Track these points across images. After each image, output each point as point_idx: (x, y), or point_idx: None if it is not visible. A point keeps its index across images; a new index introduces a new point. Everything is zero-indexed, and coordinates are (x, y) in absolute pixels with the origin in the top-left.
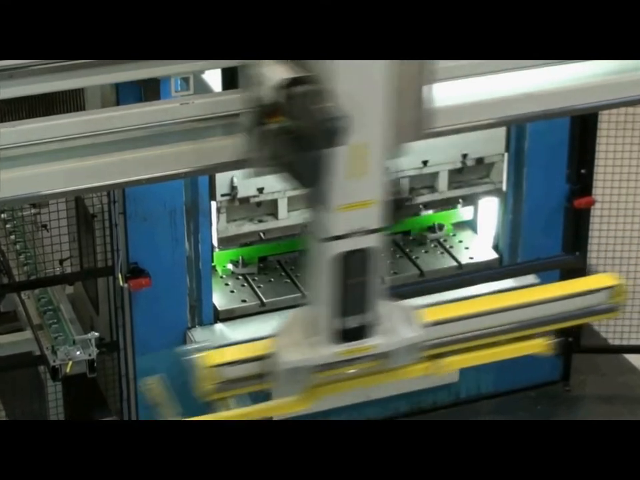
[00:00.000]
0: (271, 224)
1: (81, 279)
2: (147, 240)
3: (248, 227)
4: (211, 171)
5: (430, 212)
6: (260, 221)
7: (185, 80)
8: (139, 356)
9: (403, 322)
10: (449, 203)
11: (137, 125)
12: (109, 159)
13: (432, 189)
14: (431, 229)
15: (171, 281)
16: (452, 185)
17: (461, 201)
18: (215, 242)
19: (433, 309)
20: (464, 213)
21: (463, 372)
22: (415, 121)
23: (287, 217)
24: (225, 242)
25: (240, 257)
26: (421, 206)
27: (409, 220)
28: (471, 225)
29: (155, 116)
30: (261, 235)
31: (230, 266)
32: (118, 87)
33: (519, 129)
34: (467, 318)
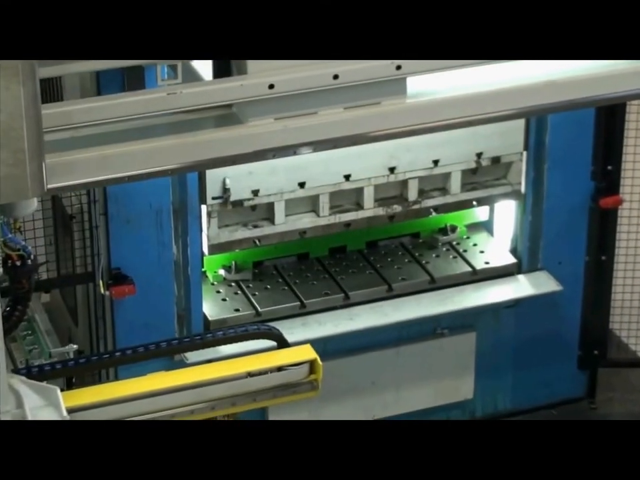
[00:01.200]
0: (266, 229)
1: (58, 286)
2: (131, 243)
3: (241, 233)
4: (201, 167)
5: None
6: (255, 227)
7: (173, 67)
8: (121, 370)
9: (42, 405)
10: (462, 207)
11: (119, 117)
12: (88, 154)
13: (443, 191)
14: (443, 230)
15: (156, 288)
16: (465, 186)
17: (475, 204)
18: (205, 249)
19: (83, 391)
20: (479, 213)
21: (478, 388)
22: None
23: (285, 222)
24: (216, 249)
25: (233, 262)
26: (431, 210)
27: (418, 221)
28: (486, 227)
29: (139, 107)
30: (256, 241)
31: (222, 272)
32: (98, 75)
33: (539, 121)
34: (117, 402)
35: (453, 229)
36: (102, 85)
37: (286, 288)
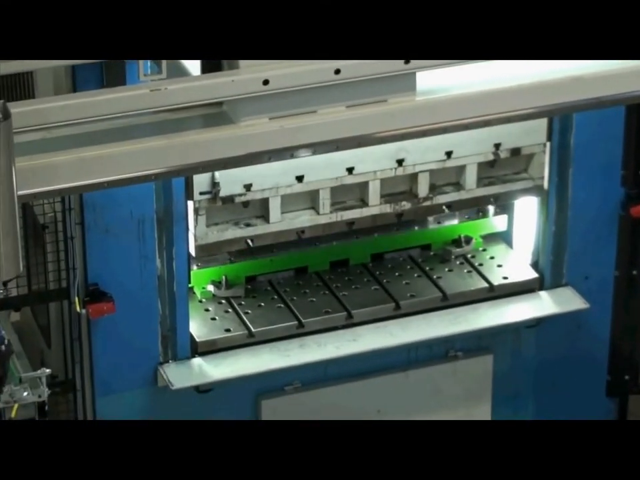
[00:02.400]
0: (260, 229)
1: (29, 304)
2: (110, 256)
3: (232, 233)
4: (188, 172)
5: (455, 220)
6: (247, 225)
7: (157, 61)
8: (99, 397)
9: None
10: (478, 203)
11: (97, 116)
12: (63, 158)
13: (457, 186)
14: (456, 242)
15: (138, 306)
16: (482, 181)
17: (492, 200)
18: (192, 250)
19: None
20: (496, 222)
21: (495, 416)
22: None
23: (280, 220)
24: (204, 251)
25: (223, 277)
26: (443, 207)
27: (428, 231)
28: (504, 238)
29: (119, 105)
30: (249, 242)
31: (211, 287)
32: (74, 70)
33: (564, 120)
34: None
35: (468, 240)
36: (78, 80)
37: (282, 306)
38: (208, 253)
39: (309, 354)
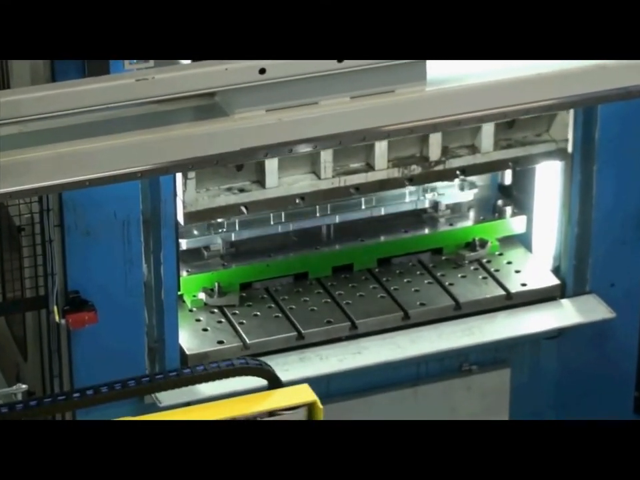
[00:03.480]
0: (255, 194)
1: (4, 313)
2: (92, 261)
3: (225, 199)
4: (177, 169)
5: (469, 221)
6: (241, 191)
7: None
8: (80, 415)
9: None
10: (495, 168)
11: (78, 109)
12: (40, 153)
13: (472, 148)
14: (470, 245)
15: (123, 315)
16: (499, 143)
17: (511, 165)
18: (180, 218)
19: None
20: (514, 223)
21: None
22: None
23: (277, 186)
24: (194, 218)
25: (215, 284)
26: (457, 172)
27: (439, 233)
28: (523, 241)
29: (102, 96)
30: (243, 209)
31: (202, 295)
32: None
33: (588, 113)
34: None
35: (483, 243)
36: (57, 70)
37: (280, 315)
38: (198, 220)
39: (310, 368)
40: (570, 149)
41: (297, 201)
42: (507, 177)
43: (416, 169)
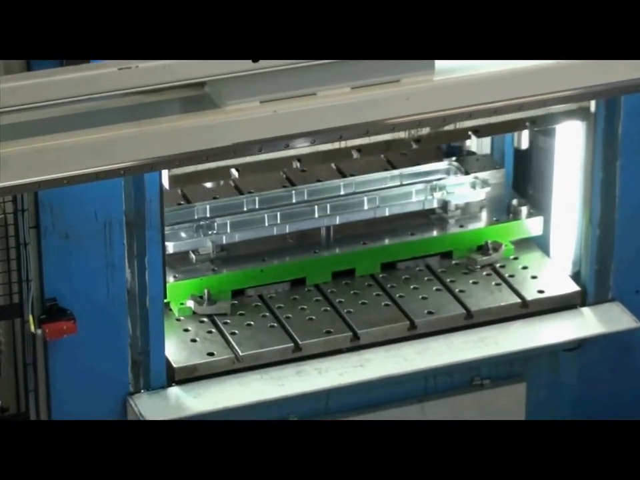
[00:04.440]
0: (248, 157)
1: None
2: (71, 266)
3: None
4: (163, 166)
5: (481, 223)
6: None
7: None
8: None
9: None
10: (512, 128)
11: (56, 100)
12: (14, 149)
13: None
14: (482, 249)
15: (104, 325)
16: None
17: (528, 125)
18: (165, 182)
19: None
20: (530, 225)
21: None
22: None
23: None
24: (179, 182)
25: (205, 291)
26: (469, 133)
27: (449, 235)
28: (540, 244)
29: (82, 86)
30: (234, 172)
31: (190, 303)
32: None
33: (610, 105)
34: None
35: (496, 246)
36: (34, 67)
37: (275, 325)
38: (184, 183)
39: (307, 382)
40: (592, 108)
41: (294, 164)
42: (524, 140)
43: (424, 129)
